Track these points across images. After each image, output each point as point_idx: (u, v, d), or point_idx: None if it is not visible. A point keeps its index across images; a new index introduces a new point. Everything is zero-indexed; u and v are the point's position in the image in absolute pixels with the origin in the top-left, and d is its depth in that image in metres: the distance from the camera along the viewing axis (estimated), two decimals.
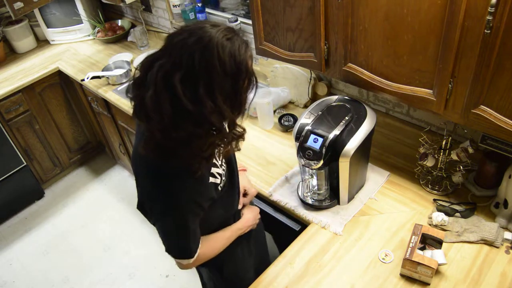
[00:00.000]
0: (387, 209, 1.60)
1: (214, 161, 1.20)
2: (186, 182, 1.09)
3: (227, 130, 1.05)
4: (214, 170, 1.20)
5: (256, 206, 1.60)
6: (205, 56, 0.93)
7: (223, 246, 1.37)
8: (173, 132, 0.97)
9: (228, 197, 1.32)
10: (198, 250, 1.21)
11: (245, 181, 1.55)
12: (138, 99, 1.00)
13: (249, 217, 1.49)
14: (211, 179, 1.18)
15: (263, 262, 1.67)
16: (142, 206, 1.18)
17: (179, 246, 1.19)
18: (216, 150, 1.11)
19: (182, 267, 1.26)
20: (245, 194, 1.54)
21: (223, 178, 1.25)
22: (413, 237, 1.37)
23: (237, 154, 1.87)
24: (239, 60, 0.96)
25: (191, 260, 1.21)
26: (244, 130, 1.12)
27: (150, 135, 1.01)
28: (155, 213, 1.15)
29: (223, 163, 1.27)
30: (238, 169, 1.46)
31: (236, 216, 1.46)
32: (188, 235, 1.17)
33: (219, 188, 1.23)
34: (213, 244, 1.34)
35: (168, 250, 1.20)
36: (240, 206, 1.47)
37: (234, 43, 0.97)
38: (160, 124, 0.97)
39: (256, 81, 1.05)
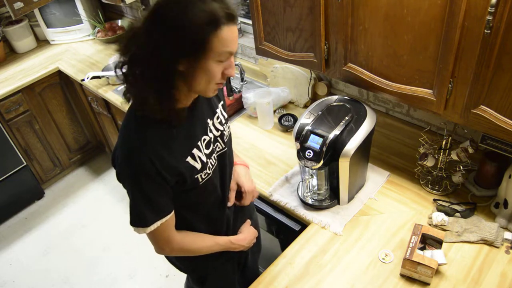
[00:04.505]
0: (387, 209, 1.60)
1: (199, 144, 1.18)
2: (149, 140, 1.08)
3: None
4: (195, 152, 1.17)
5: (256, 230, 1.56)
6: (170, 7, 0.95)
7: (207, 248, 1.34)
8: (134, 66, 1.02)
9: (210, 192, 1.28)
10: (158, 224, 1.15)
11: (241, 177, 1.44)
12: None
13: (245, 237, 1.46)
14: (189, 159, 1.15)
15: (253, 274, 1.65)
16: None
17: (133, 211, 1.15)
18: (203, 138, 1.17)
19: (141, 232, 1.18)
20: (240, 192, 1.44)
21: (208, 171, 1.22)
22: (413, 237, 1.37)
23: (236, 153, 1.89)
24: (189, 18, 0.94)
25: (147, 230, 1.15)
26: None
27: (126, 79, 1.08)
28: (118, 164, 1.13)
29: (212, 156, 1.24)
30: (239, 163, 1.45)
31: (227, 222, 1.42)
32: (142, 200, 1.12)
33: (198, 177, 1.19)
34: (197, 239, 1.31)
35: (130, 215, 1.17)
36: (230, 203, 1.40)
37: (205, 2, 0.95)
38: (134, 57, 1.02)
39: (220, 17, 0.98)
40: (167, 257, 1.53)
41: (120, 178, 1.15)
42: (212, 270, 1.50)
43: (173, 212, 1.19)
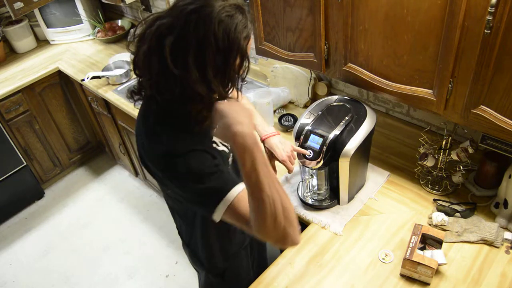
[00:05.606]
0: (387, 209, 1.60)
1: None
2: (182, 133, 1.05)
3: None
4: (215, 139, 1.14)
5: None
6: (199, 28, 0.94)
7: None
8: (159, 94, 1.01)
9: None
10: (241, 187, 1.03)
11: (274, 150, 1.45)
12: (136, 52, 1.03)
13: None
14: (214, 146, 1.13)
15: (262, 263, 1.65)
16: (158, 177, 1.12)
17: (204, 197, 1.04)
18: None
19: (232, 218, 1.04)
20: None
21: (230, 155, 1.20)
22: (413, 237, 1.37)
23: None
24: (232, 38, 0.96)
25: (228, 199, 1.01)
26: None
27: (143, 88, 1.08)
28: (167, 167, 1.05)
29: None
30: (269, 135, 1.47)
31: None
32: (209, 181, 1.02)
33: (228, 161, 1.17)
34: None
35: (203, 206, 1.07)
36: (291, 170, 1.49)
37: (233, 20, 0.96)
38: (149, 81, 1.01)
39: (249, 62, 1.04)
40: (192, 258, 1.50)
41: (169, 177, 1.07)
42: (228, 262, 1.47)
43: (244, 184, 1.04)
